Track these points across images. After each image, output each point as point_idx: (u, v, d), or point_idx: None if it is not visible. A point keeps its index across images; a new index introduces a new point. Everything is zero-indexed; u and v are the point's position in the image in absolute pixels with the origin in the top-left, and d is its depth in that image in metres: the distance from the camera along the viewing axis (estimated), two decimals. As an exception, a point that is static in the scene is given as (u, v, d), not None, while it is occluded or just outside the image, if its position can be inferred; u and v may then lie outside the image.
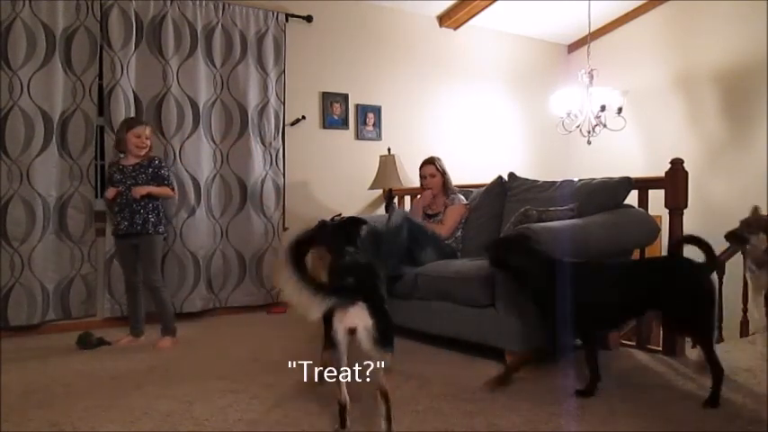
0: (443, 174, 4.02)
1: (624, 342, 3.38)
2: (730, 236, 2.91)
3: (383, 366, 2.03)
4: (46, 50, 3.83)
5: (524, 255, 2.59)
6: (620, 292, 2.50)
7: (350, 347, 2.03)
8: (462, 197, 4.02)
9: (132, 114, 4.08)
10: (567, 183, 3.41)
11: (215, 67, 4.42)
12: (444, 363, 2.96)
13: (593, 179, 3.32)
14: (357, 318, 1.99)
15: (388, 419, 2.02)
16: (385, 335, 2.01)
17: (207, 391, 2.58)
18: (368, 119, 5.26)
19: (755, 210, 2.87)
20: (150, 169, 3.58)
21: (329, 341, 2.10)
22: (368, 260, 2.37)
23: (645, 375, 2.82)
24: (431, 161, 4.06)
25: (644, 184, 3.31)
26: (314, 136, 4.98)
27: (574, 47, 6.43)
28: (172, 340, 3.58)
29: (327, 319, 2.07)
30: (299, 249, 2.00)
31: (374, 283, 2.14)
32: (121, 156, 3.64)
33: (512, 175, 3.86)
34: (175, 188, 4.00)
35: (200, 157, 4.35)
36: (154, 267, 3.57)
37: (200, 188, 4.35)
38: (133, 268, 3.61)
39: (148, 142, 3.60)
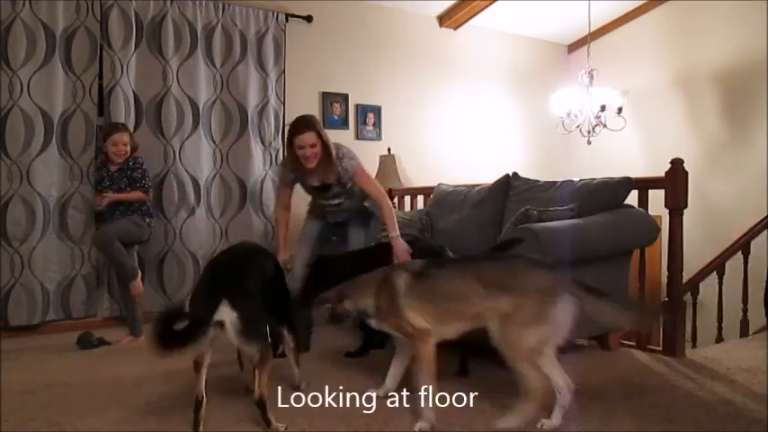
0: (325, 143, 3.10)
1: (624, 342, 3.39)
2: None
3: (254, 361, 2.07)
4: (46, 50, 3.83)
5: None
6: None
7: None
8: (351, 152, 3.23)
9: (132, 114, 4.08)
10: (567, 183, 3.41)
11: (215, 67, 4.42)
12: (444, 363, 2.95)
13: (594, 179, 3.31)
14: (221, 312, 2.00)
15: (266, 420, 2.08)
16: (251, 326, 2.03)
17: (207, 391, 2.58)
18: (368, 119, 5.26)
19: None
20: (129, 172, 3.62)
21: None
22: (241, 258, 2.41)
23: (645, 375, 2.82)
24: (309, 125, 3.06)
25: (644, 184, 3.31)
26: (314, 136, 4.98)
27: (574, 47, 6.43)
28: (138, 283, 3.59)
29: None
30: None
31: (237, 278, 2.16)
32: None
33: (514, 174, 3.85)
34: (150, 190, 3.77)
35: (199, 157, 4.35)
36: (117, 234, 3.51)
37: (199, 188, 4.35)
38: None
39: (126, 148, 3.63)
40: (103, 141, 3.62)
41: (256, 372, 2.08)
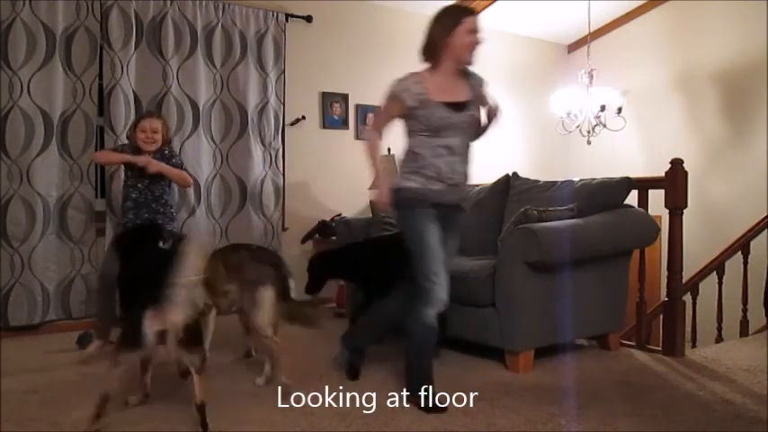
0: None
1: (624, 342, 3.39)
2: None
3: (195, 369, 2.07)
4: (46, 50, 3.83)
5: None
6: None
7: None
8: None
9: (132, 114, 4.07)
10: (567, 183, 3.41)
11: (215, 67, 4.42)
12: (444, 363, 2.96)
13: (593, 179, 3.32)
14: (168, 319, 1.98)
15: (204, 425, 2.07)
16: (193, 334, 2.05)
17: (207, 391, 2.58)
18: (368, 119, 5.24)
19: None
20: (163, 161, 3.37)
21: (130, 341, 2.07)
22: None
23: (645, 375, 2.82)
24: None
25: (644, 184, 3.31)
26: (314, 136, 4.98)
27: (574, 47, 6.43)
28: None
29: (127, 317, 2.11)
30: None
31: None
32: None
33: (514, 174, 3.85)
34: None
35: (199, 157, 4.35)
36: None
37: (199, 188, 4.35)
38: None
39: (156, 136, 3.38)
40: (133, 132, 3.41)
41: (196, 379, 2.08)
